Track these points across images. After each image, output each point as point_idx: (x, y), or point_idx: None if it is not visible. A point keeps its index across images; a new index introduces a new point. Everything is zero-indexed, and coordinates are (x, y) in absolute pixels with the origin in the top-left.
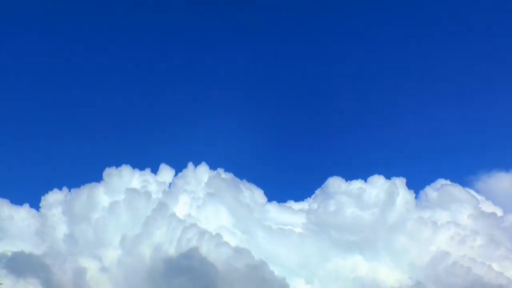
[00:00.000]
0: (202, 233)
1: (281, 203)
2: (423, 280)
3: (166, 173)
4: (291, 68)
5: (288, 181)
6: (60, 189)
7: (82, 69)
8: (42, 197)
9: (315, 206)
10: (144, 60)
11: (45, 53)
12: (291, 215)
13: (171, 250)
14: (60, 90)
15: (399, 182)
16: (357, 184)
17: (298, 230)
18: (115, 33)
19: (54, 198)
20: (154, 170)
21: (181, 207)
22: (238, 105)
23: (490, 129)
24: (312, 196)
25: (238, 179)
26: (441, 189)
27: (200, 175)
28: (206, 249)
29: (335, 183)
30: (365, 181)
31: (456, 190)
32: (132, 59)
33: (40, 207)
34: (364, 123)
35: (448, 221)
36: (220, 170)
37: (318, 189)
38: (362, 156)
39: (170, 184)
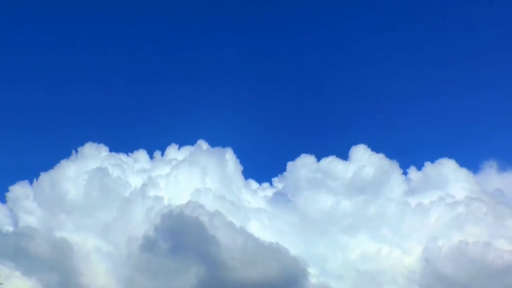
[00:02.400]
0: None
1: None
2: (431, 260)
3: (142, 155)
4: (274, 49)
5: (271, 159)
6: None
7: (64, 62)
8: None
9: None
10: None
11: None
12: (264, 197)
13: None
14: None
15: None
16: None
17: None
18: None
19: (22, 187)
20: (131, 153)
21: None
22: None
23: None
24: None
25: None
26: (435, 166)
27: (175, 154)
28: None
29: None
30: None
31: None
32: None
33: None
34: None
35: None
36: (201, 142)
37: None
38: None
39: (146, 164)
